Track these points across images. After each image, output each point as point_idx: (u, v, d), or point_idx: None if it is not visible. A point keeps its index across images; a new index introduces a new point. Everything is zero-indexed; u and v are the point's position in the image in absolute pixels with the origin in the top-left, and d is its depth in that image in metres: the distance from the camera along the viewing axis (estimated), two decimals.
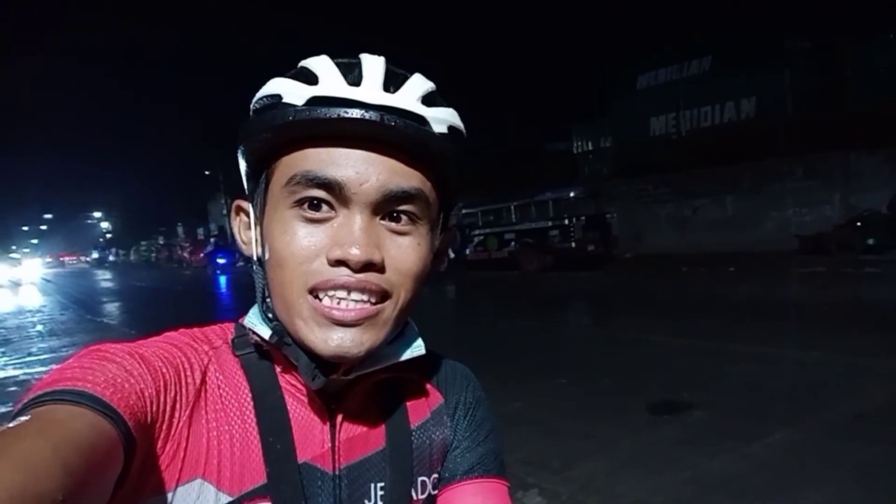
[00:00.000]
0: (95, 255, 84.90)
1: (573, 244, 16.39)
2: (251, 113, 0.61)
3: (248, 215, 0.65)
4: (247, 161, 0.62)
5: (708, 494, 3.25)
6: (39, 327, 12.82)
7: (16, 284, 29.72)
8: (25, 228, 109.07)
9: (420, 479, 0.68)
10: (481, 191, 18.86)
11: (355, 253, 0.55)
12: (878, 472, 3.37)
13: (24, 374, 7.66)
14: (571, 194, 17.24)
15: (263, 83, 0.61)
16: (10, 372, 7.82)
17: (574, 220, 16.50)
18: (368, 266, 0.56)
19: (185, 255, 47.51)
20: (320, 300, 0.57)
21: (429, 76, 0.62)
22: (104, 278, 38.16)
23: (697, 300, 10.35)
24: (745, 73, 18.27)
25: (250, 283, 0.66)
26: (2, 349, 9.82)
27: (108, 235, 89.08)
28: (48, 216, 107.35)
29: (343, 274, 0.56)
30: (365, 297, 0.57)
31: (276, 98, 0.58)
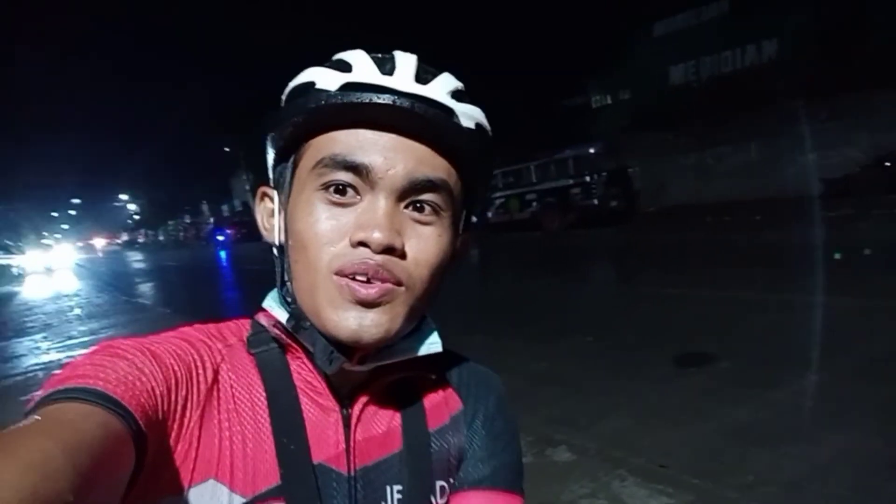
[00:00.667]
0: (125, 237, 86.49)
1: (596, 201, 16.26)
2: (283, 102, 0.62)
3: (272, 201, 0.66)
4: (276, 147, 0.63)
5: (733, 442, 3.32)
6: (77, 311, 13.11)
7: (49, 270, 30.37)
8: (55, 214, 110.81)
9: (439, 483, 0.67)
10: (500, 152, 18.71)
11: (377, 236, 0.55)
12: None
13: (67, 357, 7.84)
14: (591, 150, 17.01)
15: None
16: (54, 356, 8.07)
17: (595, 176, 16.33)
18: (389, 250, 0.56)
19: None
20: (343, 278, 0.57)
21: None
22: (135, 259, 38.88)
23: (722, 251, 10.27)
24: (765, 14, 17.75)
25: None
26: (43, 334, 10.10)
27: (136, 217, 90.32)
28: (76, 201, 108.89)
29: (364, 255, 0.56)
30: (385, 278, 0.57)
31: (310, 85, 0.59)
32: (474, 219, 0.71)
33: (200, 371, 0.58)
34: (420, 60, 0.60)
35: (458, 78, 0.63)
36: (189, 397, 0.56)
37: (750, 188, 16.56)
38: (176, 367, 0.55)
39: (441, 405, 0.71)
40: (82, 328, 10.35)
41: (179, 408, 0.54)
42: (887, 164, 13.22)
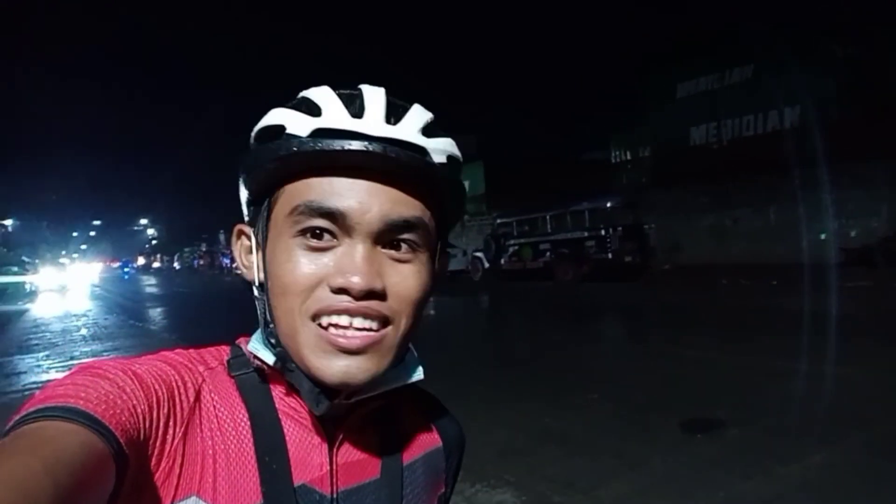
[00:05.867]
0: (142, 260, 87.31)
1: (610, 255, 16.25)
2: (252, 141, 0.62)
3: (249, 239, 0.66)
4: (249, 189, 0.64)
5: None
6: (84, 331, 13.15)
7: (63, 289, 30.56)
8: (75, 234, 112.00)
9: None
10: (517, 201, 18.83)
11: (357, 281, 0.55)
12: None
13: None
14: (608, 204, 17.10)
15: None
16: (53, 375, 8.02)
17: (611, 230, 16.38)
18: (370, 294, 0.57)
19: (227, 261, 48.36)
20: (324, 328, 0.57)
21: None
22: (149, 284, 39.12)
23: (736, 314, 10.12)
24: (789, 81, 17.86)
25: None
26: (47, 353, 10.10)
27: (154, 242, 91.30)
28: (97, 222, 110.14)
29: (345, 300, 0.56)
30: (367, 324, 0.57)
31: (280, 129, 0.58)
32: (450, 251, 0.72)
33: (182, 391, 0.58)
34: (388, 94, 0.60)
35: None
36: (171, 416, 0.56)
37: (766, 252, 16.43)
38: (157, 387, 0.55)
39: (416, 439, 0.73)
40: (85, 349, 10.34)
41: (161, 426, 0.54)
42: None
